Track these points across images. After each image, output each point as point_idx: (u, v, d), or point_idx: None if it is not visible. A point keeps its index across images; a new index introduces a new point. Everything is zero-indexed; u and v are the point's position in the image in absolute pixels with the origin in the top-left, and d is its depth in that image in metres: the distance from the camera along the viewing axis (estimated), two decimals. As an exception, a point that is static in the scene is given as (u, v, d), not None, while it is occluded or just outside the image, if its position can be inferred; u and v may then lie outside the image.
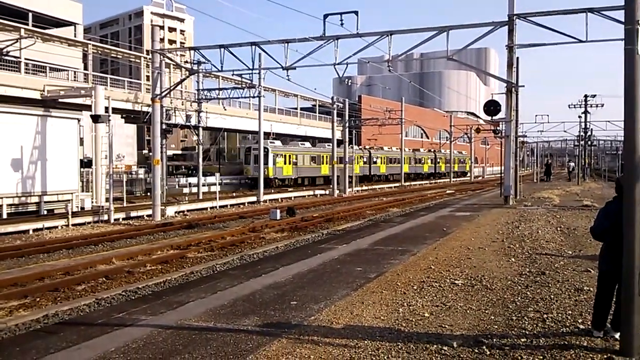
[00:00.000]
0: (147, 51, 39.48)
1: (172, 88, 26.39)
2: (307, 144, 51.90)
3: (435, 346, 5.51)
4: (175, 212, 25.18)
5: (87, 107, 27.33)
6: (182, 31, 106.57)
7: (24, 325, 7.26)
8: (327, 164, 49.12)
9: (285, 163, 44.79)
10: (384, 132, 52.00)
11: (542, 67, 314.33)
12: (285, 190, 40.51)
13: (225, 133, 67.03)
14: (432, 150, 73.32)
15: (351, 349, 5.43)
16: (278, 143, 46.70)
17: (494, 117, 25.25)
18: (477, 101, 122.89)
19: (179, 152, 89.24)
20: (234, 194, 35.52)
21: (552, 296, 7.52)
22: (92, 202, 24.37)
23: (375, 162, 58.51)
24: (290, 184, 46.48)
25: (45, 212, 21.50)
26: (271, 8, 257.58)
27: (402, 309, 6.92)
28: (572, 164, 63.78)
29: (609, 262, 5.60)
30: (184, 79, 28.81)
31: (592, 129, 58.12)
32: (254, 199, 32.13)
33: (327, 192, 40.22)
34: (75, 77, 35.96)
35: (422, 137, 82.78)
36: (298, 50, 28.74)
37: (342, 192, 39.95)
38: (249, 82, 29.40)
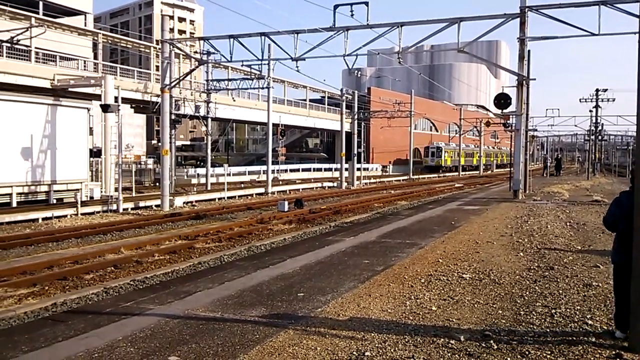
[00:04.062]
0: (157, 41, 39.48)
1: (181, 78, 26.41)
2: (453, 145, 69.89)
3: (442, 340, 5.49)
4: (184, 203, 25.27)
5: (97, 97, 27.48)
6: (191, 21, 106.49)
7: (32, 313, 7.33)
8: (463, 157, 70.98)
9: (447, 157, 65.84)
10: (393, 124, 51.73)
11: (554, 60, 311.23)
12: (293, 183, 40.69)
13: (234, 124, 67.10)
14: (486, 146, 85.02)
15: (358, 341, 5.42)
16: (444, 143, 68.84)
17: (504, 111, 25.07)
18: (488, 94, 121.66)
19: (188, 142, 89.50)
20: (242, 185, 35.58)
21: (560, 291, 7.46)
22: (101, 192, 24.54)
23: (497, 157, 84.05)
24: (446, 170, 67.37)
25: (55, 201, 21.68)
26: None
27: (409, 302, 6.89)
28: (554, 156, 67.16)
29: (622, 253, 5.45)
30: (194, 69, 28.83)
31: (602, 124, 57.67)
32: (262, 190, 32.20)
33: (335, 184, 40.25)
34: (85, 66, 35.99)
35: (431, 130, 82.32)
36: (307, 41, 28.62)
37: (350, 185, 39.96)
38: (258, 72, 29.30)
